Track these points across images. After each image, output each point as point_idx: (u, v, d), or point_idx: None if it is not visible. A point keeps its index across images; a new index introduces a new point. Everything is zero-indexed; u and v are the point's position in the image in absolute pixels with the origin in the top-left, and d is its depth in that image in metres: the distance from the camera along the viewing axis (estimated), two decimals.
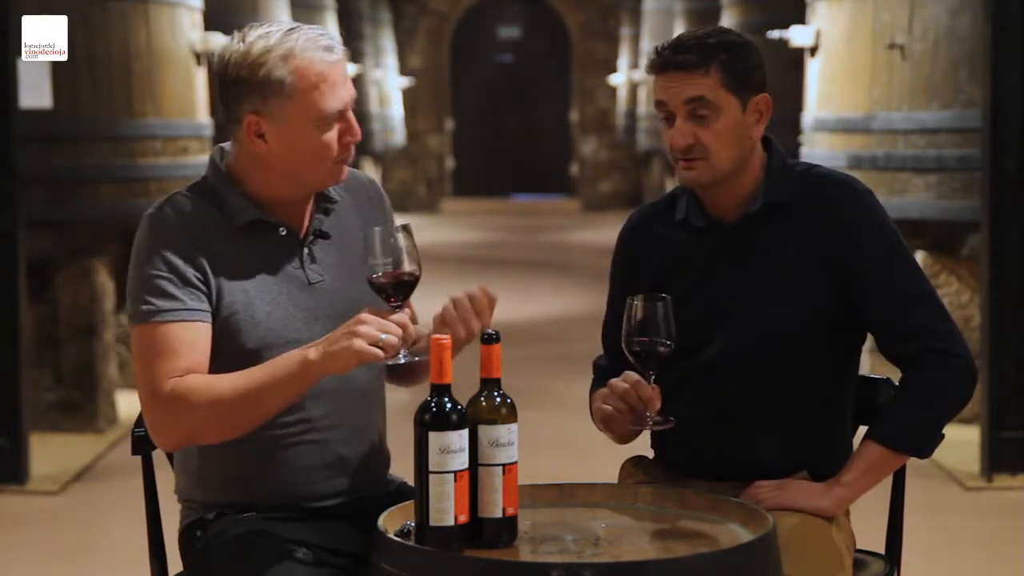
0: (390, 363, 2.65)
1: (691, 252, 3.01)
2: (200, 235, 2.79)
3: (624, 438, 2.99)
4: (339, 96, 2.76)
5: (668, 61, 2.93)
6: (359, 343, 2.59)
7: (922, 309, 2.94)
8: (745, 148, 2.96)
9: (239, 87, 2.76)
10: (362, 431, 2.91)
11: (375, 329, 2.60)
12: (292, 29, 2.76)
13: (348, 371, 2.65)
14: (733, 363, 2.96)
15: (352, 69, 9.43)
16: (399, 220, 2.86)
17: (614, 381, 2.83)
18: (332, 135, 2.77)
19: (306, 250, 2.85)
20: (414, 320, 2.91)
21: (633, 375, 2.80)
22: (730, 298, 2.96)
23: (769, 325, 2.94)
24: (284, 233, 2.84)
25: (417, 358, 2.68)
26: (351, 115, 2.80)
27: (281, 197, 2.84)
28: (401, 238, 2.66)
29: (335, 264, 2.88)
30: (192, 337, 2.74)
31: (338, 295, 2.85)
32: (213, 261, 2.78)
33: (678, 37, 2.97)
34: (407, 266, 2.66)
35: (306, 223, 2.87)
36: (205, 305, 2.76)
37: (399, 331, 2.62)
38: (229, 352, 2.77)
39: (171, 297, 2.74)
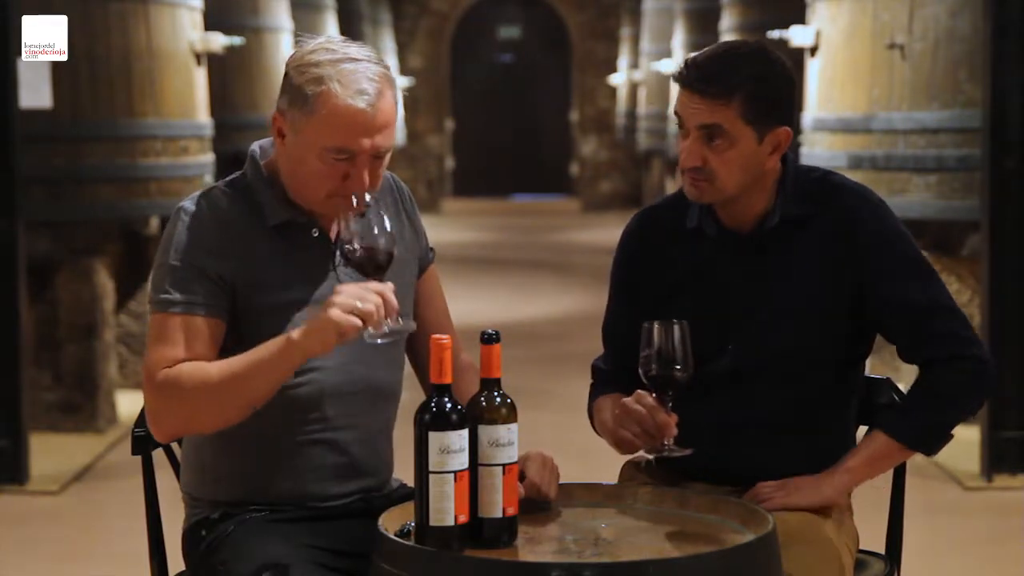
0: (378, 340, 2.61)
1: (704, 262, 2.99)
2: (234, 232, 2.80)
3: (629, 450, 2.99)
4: (351, 139, 2.73)
5: (692, 83, 2.89)
6: (335, 312, 2.58)
7: (943, 318, 2.93)
8: (754, 176, 2.93)
9: (284, 82, 2.79)
10: (377, 433, 2.92)
11: (350, 297, 2.59)
12: (353, 59, 2.74)
13: (329, 348, 2.62)
14: (745, 374, 2.95)
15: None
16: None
17: (628, 403, 2.79)
18: (333, 171, 2.75)
19: (338, 252, 2.85)
20: (444, 310, 2.94)
21: (648, 399, 2.76)
22: (744, 310, 2.95)
23: (783, 338, 2.92)
24: (316, 235, 2.84)
25: (403, 326, 2.62)
26: (364, 163, 2.74)
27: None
28: (371, 215, 2.64)
29: None
30: (198, 330, 2.75)
31: None
32: (245, 259, 2.79)
33: (709, 55, 2.92)
34: (382, 244, 2.63)
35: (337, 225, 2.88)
36: (222, 301, 2.77)
37: (377, 298, 2.59)
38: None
39: (188, 290, 2.76)
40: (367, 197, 2.66)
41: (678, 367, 2.72)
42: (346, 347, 2.81)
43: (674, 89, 2.99)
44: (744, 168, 2.91)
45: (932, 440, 2.94)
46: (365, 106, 2.72)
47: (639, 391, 2.79)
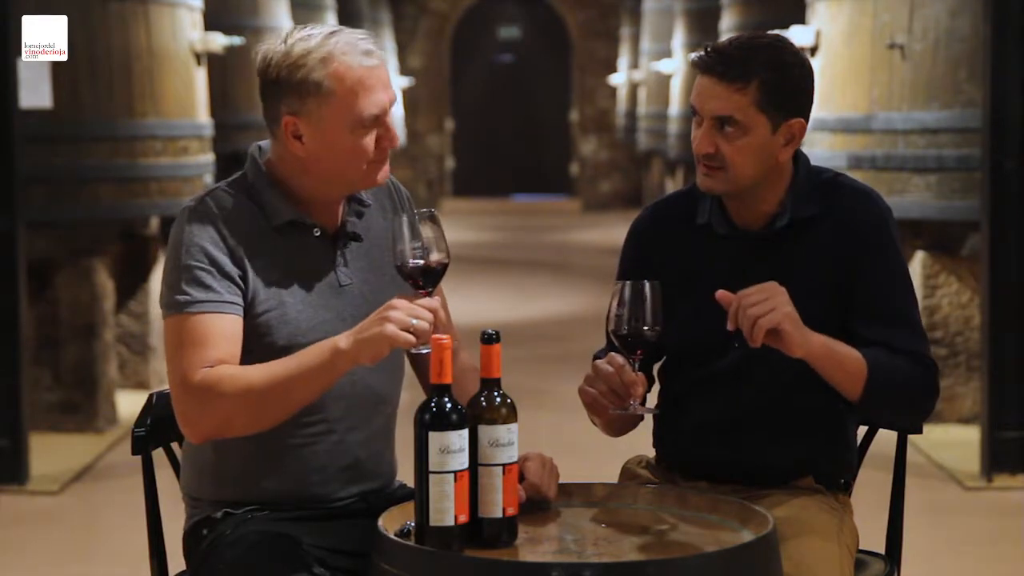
0: (423, 350, 2.62)
1: (713, 258, 2.99)
2: (239, 231, 2.80)
3: (612, 427, 2.99)
4: (376, 101, 2.77)
5: (709, 66, 2.91)
6: (391, 328, 2.59)
7: (909, 334, 2.93)
8: (767, 166, 2.94)
9: (278, 87, 2.78)
10: (378, 434, 2.92)
11: (405, 314, 2.60)
12: (333, 32, 2.77)
13: (379, 359, 2.63)
14: (750, 370, 2.96)
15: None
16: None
17: (599, 363, 2.80)
18: (368, 139, 2.78)
19: (339, 252, 2.87)
20: (444, 307, 2.91)
21: (618, 358, 2.77)
22: None
23: None
24: (318, 234, 2.85)
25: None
26: (389, 120, 2.80)
27: (318, 197, 2.85)
28: (428, 226, 2.65)
29: (364, 267, 2.90)
30: (225, 329, 2.74)
31: (365, 298, 2.86)
32: (250, 258, 2.80)
33: (730, 41, 2.94)
34: (435, 254, 2.64)
35: (338, 224, 2.89)
36: (239, 299, 2.77)
37: (430, 316, 2.61)
38: (259, 350, 2.78)
39: (207, 288, 2.75)
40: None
41: (648, 325, 2.72)
42: None
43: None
44: (757, 157, 2.91)
45: (877, 393, 2.85)
46: (377, 62, 2.77)
47: (611, 353, 2.80)
